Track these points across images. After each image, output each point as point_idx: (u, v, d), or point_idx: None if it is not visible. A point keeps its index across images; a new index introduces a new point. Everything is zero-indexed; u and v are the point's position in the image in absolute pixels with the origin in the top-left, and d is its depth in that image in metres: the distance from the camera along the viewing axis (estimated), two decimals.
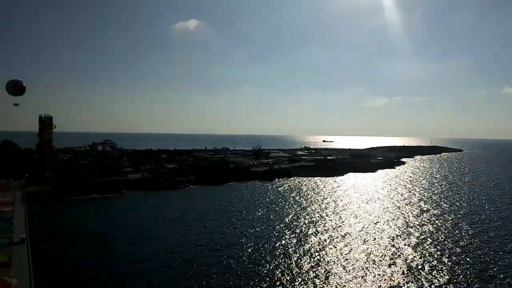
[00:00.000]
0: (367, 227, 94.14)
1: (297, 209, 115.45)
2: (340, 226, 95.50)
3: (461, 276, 62.36)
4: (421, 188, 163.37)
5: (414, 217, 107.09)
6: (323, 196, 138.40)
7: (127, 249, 73.79)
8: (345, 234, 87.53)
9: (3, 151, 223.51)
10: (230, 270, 63.40)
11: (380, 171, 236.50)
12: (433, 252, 75.43)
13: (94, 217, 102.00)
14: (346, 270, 64.49)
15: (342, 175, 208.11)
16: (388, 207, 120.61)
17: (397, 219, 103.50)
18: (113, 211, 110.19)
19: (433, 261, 69.89)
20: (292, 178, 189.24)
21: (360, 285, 58.42)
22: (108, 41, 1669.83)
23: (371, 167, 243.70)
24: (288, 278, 60.89)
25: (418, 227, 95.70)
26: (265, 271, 63.34)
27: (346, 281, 60.08)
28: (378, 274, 63.02)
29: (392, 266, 67.20)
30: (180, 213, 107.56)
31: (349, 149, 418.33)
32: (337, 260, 69.59)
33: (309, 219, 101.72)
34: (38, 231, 78.76)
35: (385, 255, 72.77)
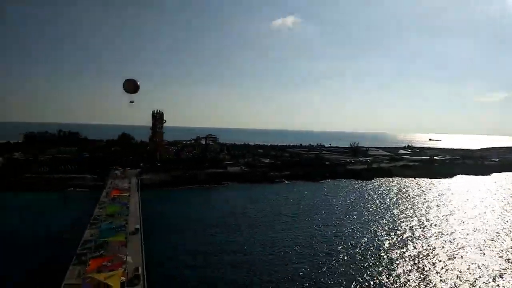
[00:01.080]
0: (480, 239, 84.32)
1: (397, 211, 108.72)
2: (446, 234, 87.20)
3: None
4: None
5: None
6: (427, 199, 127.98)
7: (237, 237, 78.05)
8: (451, 243, 79.68)
9: (122, 143, 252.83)
10: (334, 266, 62.65)
11: (495, 174, 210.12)
12: None
13: (199, 205, 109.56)
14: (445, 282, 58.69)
15: (450, 177, 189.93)
16: (506, 217, 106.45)
17: None
18: (217, 201, 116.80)
19: None
20: (393, 178, 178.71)
21: None
22: (211, 41, 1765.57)
23: (485, 170, 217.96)
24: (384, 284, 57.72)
25: None
26: (361, 275, 60.98)
27: None
28: None
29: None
30: (276, 205, 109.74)
31: (458, 149, 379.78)
32: (438, 271, 63.69)
33: (410, 224, 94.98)
34: (149, 216, 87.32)
35: (498, 272, 64.36)
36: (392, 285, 57.52)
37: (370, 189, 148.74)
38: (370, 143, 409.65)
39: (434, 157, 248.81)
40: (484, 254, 73.00)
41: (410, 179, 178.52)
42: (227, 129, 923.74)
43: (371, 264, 66.15)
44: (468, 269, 64.86)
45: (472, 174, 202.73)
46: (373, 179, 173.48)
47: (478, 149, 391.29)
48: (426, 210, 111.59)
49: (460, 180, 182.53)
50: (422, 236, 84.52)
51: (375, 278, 59.68)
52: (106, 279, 40.63)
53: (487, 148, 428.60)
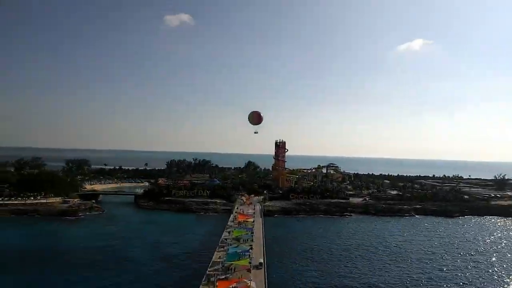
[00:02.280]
0: None
1: None
2: None
3: None
4: None
5: None
6: None
7: (366, 272, 74.48)
8: None
9: (248, 171, 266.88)
10: None
11: None
12: None
13: (320, 234, 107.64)
14: None
15: None
16: None
17: None
18: (339, 232, 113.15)
19: None
20: None
21: None
22: (334, 67, 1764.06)
23: None
24: None
25: None
26: None
27: None
28: None
29: None
30: (405, 241, 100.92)
31: None
32: None
33: None
34: (272, 242, 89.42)
35: None
36: None
37: None
38: None
39: None
40: None
41: None
42: (349, 158, 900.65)
43: None
44: None
45: None
46: None
47: None
48: None
49: None
50: None
51: None
52: None
53: None
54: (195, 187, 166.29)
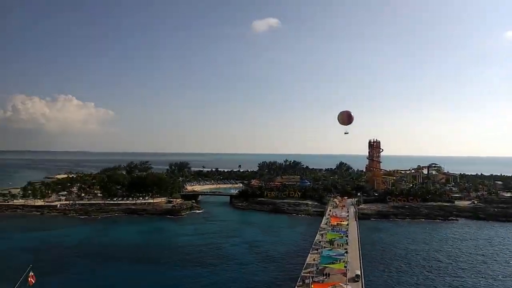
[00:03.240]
0: None
1: None
2: None
3: None
4: None
5: None
6: None
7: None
8: None
9: (340, 172, 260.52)
10: None
11: None
12: None
13: (423, 241, 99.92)
14: None
15: None
16: None
17: None
18: (444, 238, 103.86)
19: None
20: None
21: None
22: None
23: None
24: None
25: None
26: None
27: None
28: None
29: None
30: None
31: None
32: None
33: None
34: (368, 247, 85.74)
35: None
36: None
37: None
38: None
39: None
40: None
41: None
42: (454, 158, 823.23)
43: None
44: None
45: None
46: None
47: None
48: None
49: None
50: None
51: None
52: None
53: None
54: (286, 188, 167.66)
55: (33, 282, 42.34)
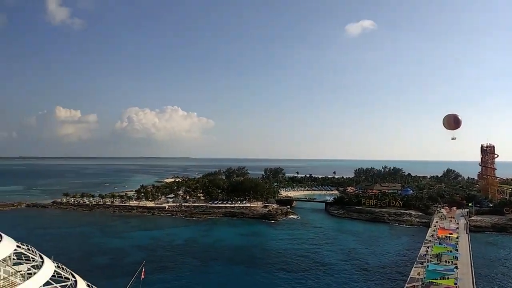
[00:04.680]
0: None
1: None
2: None
3: None
4: None
5: None
6: None
7: None
8: None
9: (448, 180, 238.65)
10: None
11: None
12: None
13: None
14: None
15: None
16: None
17: None
18: None
19: None
20: None
21: None
22: None
23: None
24: None
25: None
26: None
27: None
28: None
29: None
30: None
31: None
32: None
33: None
34: (483, 265, 77.06)
35: None
36: None
37: None
38: None
39: None
40: None
41: None
42: None
43: None
44: None
45: None
46: None
47: None
48: None
49: None
50: None
51: None
52: None
53: None
54: (386, 196, 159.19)
55: (143, 277, 46.81)
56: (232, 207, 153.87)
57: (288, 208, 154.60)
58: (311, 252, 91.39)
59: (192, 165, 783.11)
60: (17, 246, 26.58)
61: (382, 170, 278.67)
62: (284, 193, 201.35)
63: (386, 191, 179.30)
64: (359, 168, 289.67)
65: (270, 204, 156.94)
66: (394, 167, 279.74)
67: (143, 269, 44.83)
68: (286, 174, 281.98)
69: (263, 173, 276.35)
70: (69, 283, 26.40)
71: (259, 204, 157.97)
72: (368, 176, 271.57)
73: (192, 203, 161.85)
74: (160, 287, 64.95)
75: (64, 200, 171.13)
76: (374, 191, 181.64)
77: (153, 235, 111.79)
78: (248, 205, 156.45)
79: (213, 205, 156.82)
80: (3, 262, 24.30)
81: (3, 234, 26.70)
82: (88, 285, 28.78)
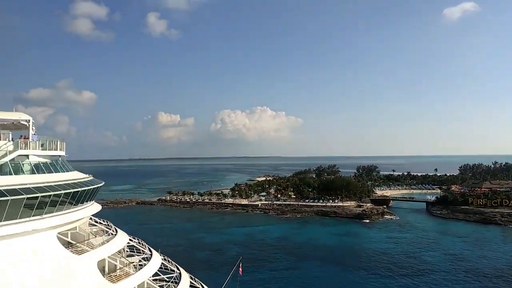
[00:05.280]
0: None
1: None
2: None
3: None
4: None
5: None
6: None
7: None
8: None
9: None
10: None
11: None
12: None
13: None
14: None
15: None
16: None
17: None
18: None
19: None
20: None
21: None
22: None
23: None
24: None
25: None
26: None
27: None
28: None
29: None
30: None
31: None
32: None
33: None
34: None
35: None
36: None
37: None
38: None
39: None
40: None
41: None
42: None
43: None
44: None
45: None
46: None
47: None
48: None
49: None
50: None
51: None
52: None
53: None
54: (497, 195, 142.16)
55: (240, 273, 48.32)
56: (324, 206, 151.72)
57: (384, 207, 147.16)
58: (411, 255, 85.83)
59: (283, 163, 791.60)
60: (130, 240, 29.56)
61: (492, 166, 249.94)
62: (379, 192, 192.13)
63: (498, 189, 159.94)
64: (464, 165, 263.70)
65: (364, 204, 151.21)
66: (506, 163, 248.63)
67: (240, 264, 46.40)
68: (381, 172, 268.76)
69: (355, 171, 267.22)
70: (174, 275, 28.54)
71: (352, 203, 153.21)
72: (475, 173, 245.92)
73: (284, 201, 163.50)
74: (256, 282, 66.87)
75: (168, 197, 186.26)
76: (483, 189, 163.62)
77: (248, 232, 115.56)
78: (341, 204, 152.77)
79: (304, 203, 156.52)
80: (118, 254, 27.19)
81: (118, 229, 29.93)
82: (191, 278, 30.75)
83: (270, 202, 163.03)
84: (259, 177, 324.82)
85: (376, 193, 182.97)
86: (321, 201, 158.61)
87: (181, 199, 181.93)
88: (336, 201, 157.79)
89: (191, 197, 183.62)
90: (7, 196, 20.09)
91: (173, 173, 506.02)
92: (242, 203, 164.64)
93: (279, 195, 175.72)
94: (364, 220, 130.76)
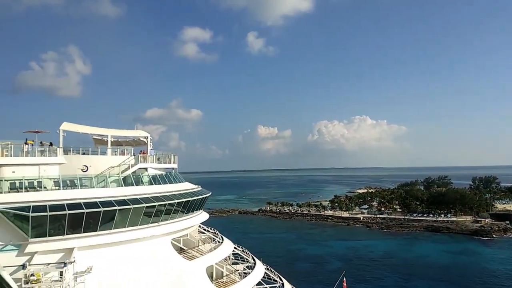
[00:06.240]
0: None
1: None
2: None
3: None
4: None
5: None
6: None
7: None
8: None
9: None
10: None
11: None
12: None
13: None
14: None
15: None
16: None
17: None
18: None
19: None
20: None
21: None
22: None
23: None
24: None
25: None
26: None
27: None
28: None
29: None
30: None
31: None
32: None
33: None
34: None
35: None
36: None
37: None
38: None
39: None
40: None
41: None
42: None
43: None
44: None
45: None
46: None
47: None
48: None
49: None
50: None
51: None
52: None
53: None
54: None
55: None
56: (435, 220, 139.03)
57: (507, 223, 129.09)
58: None
59: (385, 174, 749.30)
60: (234, 248, 30.78)
61: None
62: (501, 206, 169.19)
63: None
64: None
65: (482, 219, 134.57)
66: None
67: (344, 279, 44.95)
68: (502, 184, 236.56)
69: (470, 182, 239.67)
70: (277, 285, 28.83)
71: (468, 218, 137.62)
72: None
73: (388, 215, 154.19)
74: None
75: (268, 208, 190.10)
76: None
77: (349, 245, 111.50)
78: (454, 219, 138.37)
79: (411, 218, 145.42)
80: (224, 261, 28.48)
81: (224, 237, 31.43)
82: None
83: (373, 215, 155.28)
84: (359, 188, 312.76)
85: (497, 207, 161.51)
86: (431, 215, 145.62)
87: (281, 209, 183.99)
88: (448, 215, 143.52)
89: (290, 208, 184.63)
90: (130, 205, 22.59)
91: (272, 184, 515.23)
92: (343, 215, 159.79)
93: (382, 208, 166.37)
94: (483, 238, 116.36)
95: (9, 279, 17.75)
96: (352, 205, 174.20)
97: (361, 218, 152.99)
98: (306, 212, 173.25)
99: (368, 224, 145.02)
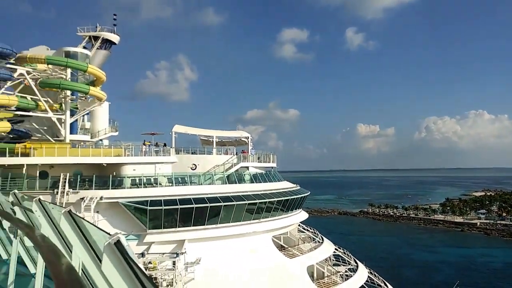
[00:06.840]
0: None
1: None
2: None
3: None
4: None
5: None
6: None
7: None
8: None
9: None
10: None
11: None
12: None
13: None
14: None
15: None
16: None
17: None
18: None
19: None
20: None
21: None
22: None
23: None
24: None
25: None
26: None
27: None
28: None
29: None
30: None
31: None
32: None
33: None
34: None
35: None
36: None
37: None
38: None
39: None
40: None
41: None
42: None
43: None
44: None
45: None
46: None
47: None
48: None
49: None
50: None
51: None
52: None
53: None
54: None
55: None
56: None
57: None
58: None
59: (506, 176, 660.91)
60: (335, 249, 30.20)
61: None
62: None
63: None
64: None
65: None
66: None
67: None
68: None
69: None
70: None
71: None
72: None
73: (511, 221, 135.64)
74: None
75: (370, 210, 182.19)
76: None
77: (463, 253, 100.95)
78: None
79: None
80: (325, 262, 28.11)
81: (324, 237, 31.06)
82: None
83: (492, 221, 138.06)
84: (476, 191, 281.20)
85: None
86: None
87: (384, 212, 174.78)
88: None
89: (395, 210, 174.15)
90: (233, 202, 23.74)
91: (374, 185, 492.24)
92: (456, 220, 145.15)
93: (504, 214, 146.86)
94: None
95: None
96: (467, 209, 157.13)
97: (478, 223, 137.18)
98: (413, 215, 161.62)
99: (487, 230, 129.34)
